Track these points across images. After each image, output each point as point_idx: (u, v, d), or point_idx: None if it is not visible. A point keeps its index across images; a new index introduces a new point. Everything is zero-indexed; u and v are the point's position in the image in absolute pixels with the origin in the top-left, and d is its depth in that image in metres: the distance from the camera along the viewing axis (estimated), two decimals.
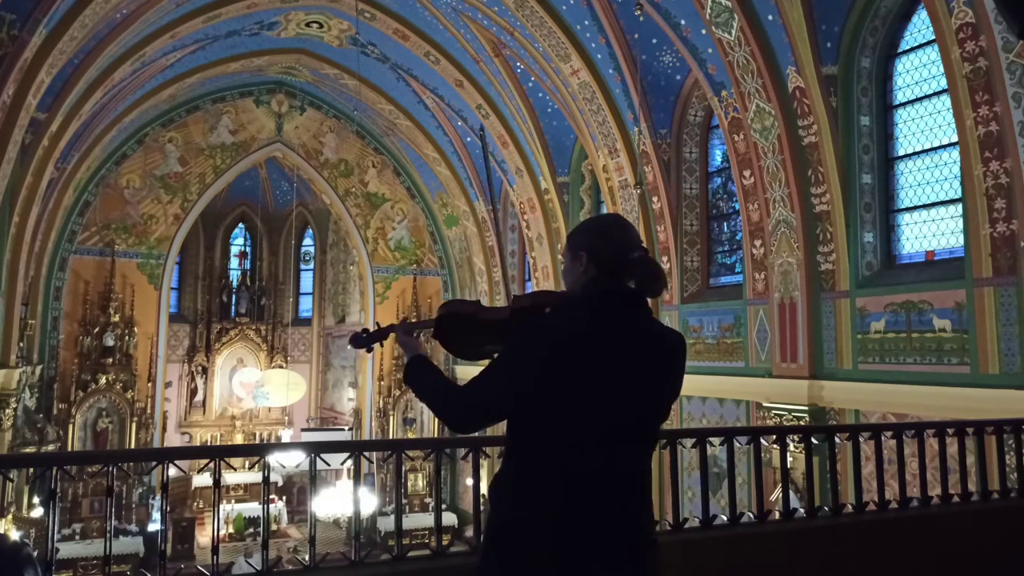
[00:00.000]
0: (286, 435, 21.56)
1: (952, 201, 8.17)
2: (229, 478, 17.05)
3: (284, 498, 19.44)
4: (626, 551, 2.06)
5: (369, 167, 19.37)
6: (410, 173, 19.44)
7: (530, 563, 2.02)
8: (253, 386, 20.34)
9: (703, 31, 9.49)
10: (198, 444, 19.83)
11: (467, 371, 16.35)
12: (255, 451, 3.33)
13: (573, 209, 14.74)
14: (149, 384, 16.93)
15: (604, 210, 13.51)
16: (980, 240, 7.20)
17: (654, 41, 10.77)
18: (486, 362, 2.22)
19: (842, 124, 8.86)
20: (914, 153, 8.67)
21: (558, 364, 2.04)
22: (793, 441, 6.01)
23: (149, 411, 16.79)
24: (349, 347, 2.93)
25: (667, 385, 2.22)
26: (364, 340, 2.60)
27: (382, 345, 2.64)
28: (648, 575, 2.12)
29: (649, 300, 2.22)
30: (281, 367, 21.17)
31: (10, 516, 11.25)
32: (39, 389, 15.68)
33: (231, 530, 17.56)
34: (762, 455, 4.01)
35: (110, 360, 16.47)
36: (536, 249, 15.55)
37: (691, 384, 10.77)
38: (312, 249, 24.45)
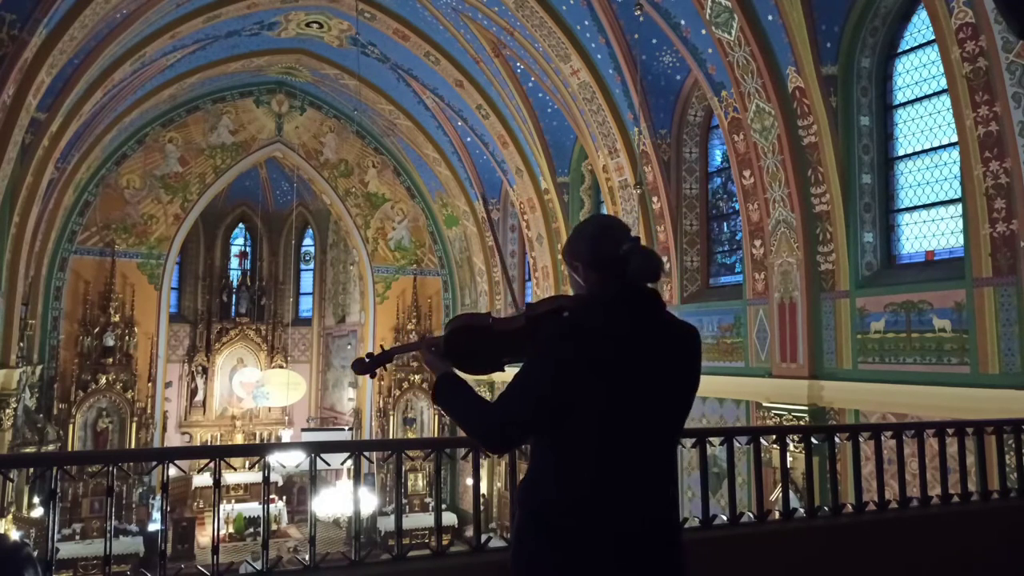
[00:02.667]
0: (286, 435, 21.57)
1: (952, 201, 8.17)
2: (229, 478, 17.05)
3: (284, 498, 19.44)
4: (654, 549, 2.08)
5: (369, 167, 19.37)
6: (410, 173, 19.44)
7: (564, 556, 2.04)
8: (253, 386, 20.34)
9: (703, 31, 9.49)
10: (198, 444, 19.83)
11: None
12: (255, 451, 3.33)
13: (573, 209, 14.74)
14: (149, 384, 16.93)
15: (604, 210, 13.52)
16: (980, 240, 7.20)
17: (654, 41, 10.77)
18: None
19: (842, 124, 8.86)
20: (914, 153, 8.67)
21: (586, 362, 2.05)
22: (793, 441, 6.01)
23: (149, 411, 16.78)
24: (354, 373, 2.69)
25: (688, 376, 2.23)
26: (368, 365, 2.50)
27: (386, 368, 2.54)
28: (675, 571, 2.14)
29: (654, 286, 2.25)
30: (281, 367, 21.17)
31: (10, 516, 11.25)
32: (39, 389, 15.68)
33: (231, 530, 17.56)
34: (762, 455, 4.01)
35: (110, 360, 16.48)
36: (536, 249, 15.56)
37: None
38: (312, 249, 24.45)
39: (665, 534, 2.12)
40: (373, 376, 2.59)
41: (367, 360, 2.51)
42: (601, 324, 2.11)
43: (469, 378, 2.39)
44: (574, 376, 2.04)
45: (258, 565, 3.05)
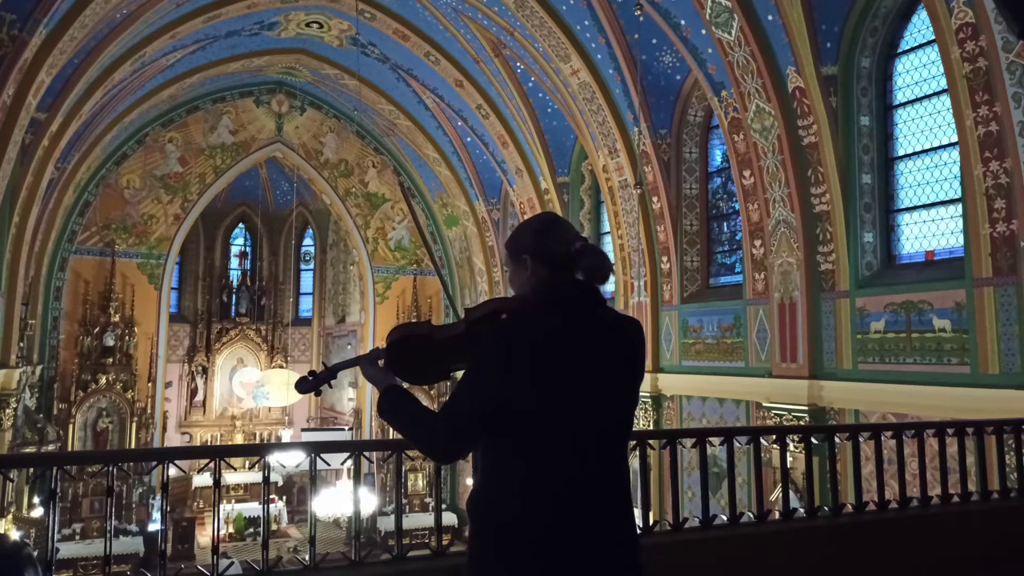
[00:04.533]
0: (286, 435, 21.56)
1: (952, 201, 8.16)
2: (229, 478, 17.05)
3: (284, 498, 19.44)
4: (611, 551, 2.03)
5: (369, 167, 19.37)
6: (410, 173, 19.44)
7: (518, 564, 1.99)
8: (253, 386, 20.34)
9: (703, 31, 9.49)
10: (198, 444, 19.84)
11: None
12: (255, 451, 3.34)
13: (573, 209, 14.73)
14: (149, 384, 16.93)
15: (604, 210, 13.52)
16: (980, 240, 7.20)
17: (654, 41, 10.77)
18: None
19: (842, 124, 8.86)
20: (914, 153, 8.67)
21: (531, 365, 2.00)
22: (793, 441, 6.02)
23: (149, 411, 16.79)
24: (297, 393, 2.68)
25: (634, 373, 2.20)
26: (311, 384, 2.44)
27: (331, 386, 2.49)
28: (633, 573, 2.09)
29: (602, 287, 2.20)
30: (281, 367, 21.16)
31: (10, 516, 11.25)
32: (39, 389, 15.68)
33: (231, 530, 17.56)
34: (762, 455, 4.01)
35: (110, 360, 16.47)
36: None
37: (691, 384, 10.92)
38: (312, 249, 24.46)
39: (622, 544, 2.07)
40: (318, 394, 2.55)
41: (310, 378, 2.45)
42: (546, 324, 2.06)
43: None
44: (517, 377, 1.99)
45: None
